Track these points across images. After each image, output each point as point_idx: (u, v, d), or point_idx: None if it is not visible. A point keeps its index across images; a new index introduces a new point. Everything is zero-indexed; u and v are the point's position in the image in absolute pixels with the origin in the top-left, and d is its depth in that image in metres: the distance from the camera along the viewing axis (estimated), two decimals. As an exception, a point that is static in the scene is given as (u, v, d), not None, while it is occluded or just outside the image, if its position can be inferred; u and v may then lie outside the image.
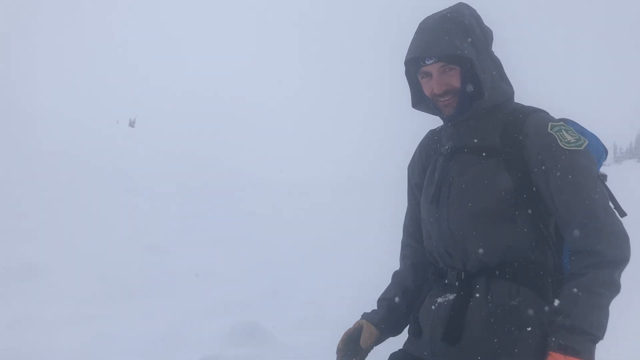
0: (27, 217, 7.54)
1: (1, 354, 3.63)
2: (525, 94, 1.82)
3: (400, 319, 1.76)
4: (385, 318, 1.74)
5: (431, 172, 1.75)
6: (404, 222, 1.91)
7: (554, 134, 1.54)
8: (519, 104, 1.69)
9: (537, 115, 1.61)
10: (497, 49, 1.70)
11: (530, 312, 1.52)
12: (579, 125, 1.66)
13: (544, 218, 1.57)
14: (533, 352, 1.47)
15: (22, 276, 5.27)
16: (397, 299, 1.76)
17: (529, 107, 1.67)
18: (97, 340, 4.09)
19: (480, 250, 1.57)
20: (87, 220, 8.08)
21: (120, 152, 15.73)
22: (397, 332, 1.78)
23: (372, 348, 1.75)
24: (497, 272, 1.56)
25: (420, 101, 1.74)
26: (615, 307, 1.43)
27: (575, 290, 1.42)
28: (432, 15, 1.65)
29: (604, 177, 1.64)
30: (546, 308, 1.52)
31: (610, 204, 1.53)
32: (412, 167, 1.88)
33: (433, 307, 1.63)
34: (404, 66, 1.70)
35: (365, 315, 1.77)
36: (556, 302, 1.46)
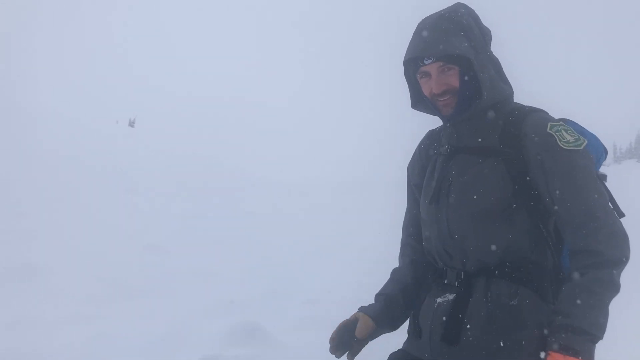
0: (27, 217, 7.55)
1: (1, 354, 3.63)
2: (525, 93, 1.82)
3: (397, 314, 1.75)
4: (382, 312, 1.73)
5: (431, 172, 1.75)
6: (404, 222, 1.90)
7: (554, 133, 1.54)
8: (518, 103, 1.69)
9: (537, 115, 1.61)
10: (496, 48, 1.70)
11: (530, 312, 1.51)
12: (579, 125, 1.66)
13: (543, 218, 1.57)
14: (532, 352, 1.46)
15: (22, 276, 5.27)
16: (395, 295, 1.75)
17: (528, 106, 1.66)
18: (97, 340, 4.09)
19: (480, 250, 1.57)
20: (87, 220, 8.08)
21: (120, 152, 15.76)
22: (393, 327, 1.77)
23: (367, 342, 1.72)
24: (497, 272, 1.56)
25: (420, 101, 1.74)
26: (615, 307, 1.43)
27: (575, 290, 1.42)
28: (431, 15, 1.64)
29: (603, 177, 1.64)
30: (546, 308, 1.52)
31: (610, 204, 1.53)
32: (411, 167, 1.88)
33: (432, 307, 1.63)
34: (402, 66, 1.70)
35: (362, 308, 1.76)
36: (556, 302, 1.46)
